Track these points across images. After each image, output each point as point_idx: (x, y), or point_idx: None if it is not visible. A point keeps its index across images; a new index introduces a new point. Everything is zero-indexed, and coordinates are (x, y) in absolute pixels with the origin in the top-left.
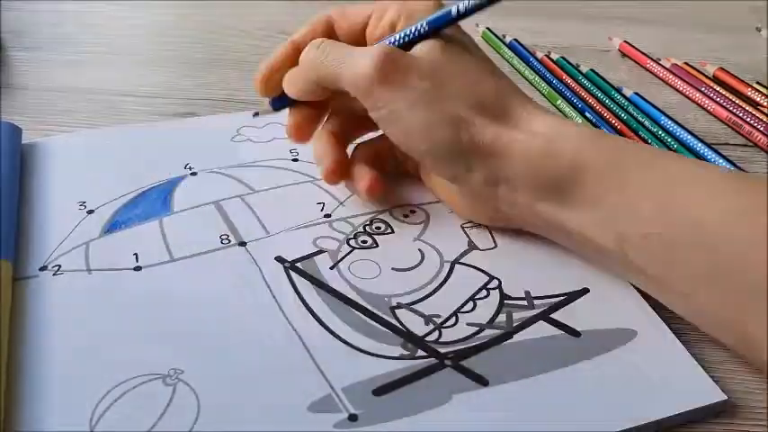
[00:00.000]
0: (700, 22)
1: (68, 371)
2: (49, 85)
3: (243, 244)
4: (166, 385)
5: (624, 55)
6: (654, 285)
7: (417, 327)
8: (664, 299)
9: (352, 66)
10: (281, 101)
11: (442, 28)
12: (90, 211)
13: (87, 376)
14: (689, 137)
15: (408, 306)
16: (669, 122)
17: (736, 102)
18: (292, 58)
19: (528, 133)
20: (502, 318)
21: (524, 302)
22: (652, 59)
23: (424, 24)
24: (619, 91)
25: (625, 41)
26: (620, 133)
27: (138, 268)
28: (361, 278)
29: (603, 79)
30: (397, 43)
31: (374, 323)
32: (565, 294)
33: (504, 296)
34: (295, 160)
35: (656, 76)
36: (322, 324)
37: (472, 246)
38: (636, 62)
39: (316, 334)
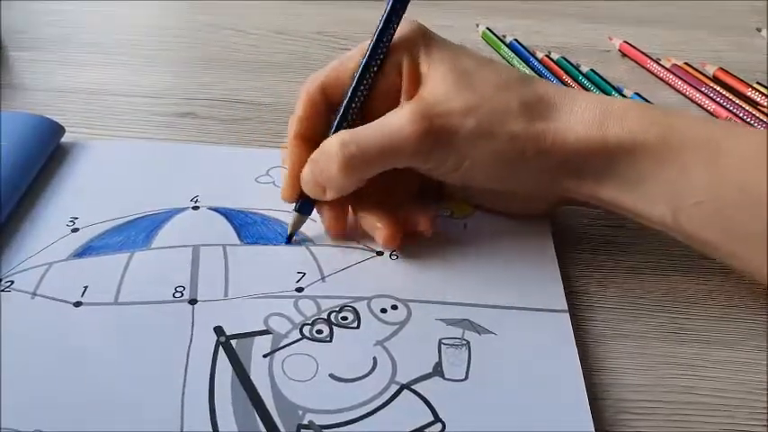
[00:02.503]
0: (700, 22)
1: None
2: (49, 85)
3: (193, 302)
4: None
5: (624, 55)
6: (709, 249)
7: None
8: (721, 260)
9: (396, 140)
10: (309, 202)
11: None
12: (75, 230)
13: None
14: None
15: (319, 429)
16: None
17: (736, 102)
18: (308, 150)
19: (579, 123)
20: None
21: None
22: (652, 59)
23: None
24: (619, 91)
25: (625, 41)
26: None
27: (78, 303)
28: (289, 378)
29: (603, 79)
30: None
31: None
32: None
33: None
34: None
35: (655, 76)
36: (214, 425)
37: (437, 371)
38: (636, 62)
39: None
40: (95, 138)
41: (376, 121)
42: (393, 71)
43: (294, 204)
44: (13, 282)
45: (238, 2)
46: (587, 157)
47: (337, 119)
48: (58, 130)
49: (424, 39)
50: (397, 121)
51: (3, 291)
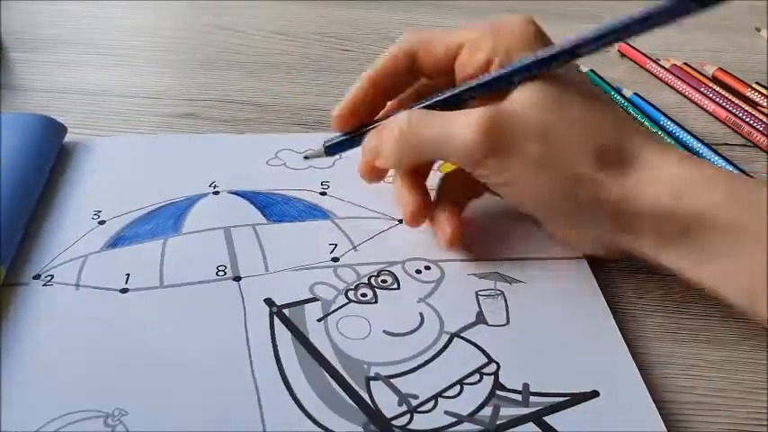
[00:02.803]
0: (700, 22)
1: (17, 392)
2: (49, 85)
3: (238, 279)
4: (106, 426)
5: (624, 55)
6: None
7: (389, 406)
8: None
9: (455, 138)
10: (339, 147)
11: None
12: (101, 222)
13: (31, 405)
14: (688, 137)
15: (386, 379)
16: (669, 123)
17: (736, 102)
18: (371, 96)
19: (656, 185)
20: (487, 411)
21: (518, 397)
22: (652, 59)
23: (523, 68)
24: (618, 91)
25: (625, 42)
26: None
27: (124, 290)
28: (346, 338)
29: (603, 79)
30: (492, 87)
31: (343, 393)
32: (569, 395)
33: (497, 385)
34: (323, 194)
35: (655, 76)
36: (287, 386)
37: (480, 319)
38: (635, 62)
39: (276, 397)
40: (96, 138)
41: (448, 112)
42: (482, 61)
43: (327, 140)
44: (53, 276)
45: (238, 2)
46: (654, 221)
47: (437, 98)
48: (61, 129)
49: (534, 46)
50: (463, 120)
51: (45, 285)
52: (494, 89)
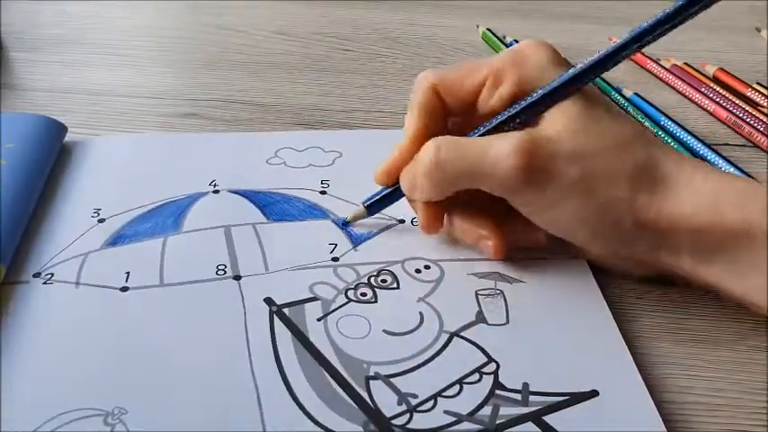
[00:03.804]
0: (700, 22)
1: (17, 390)
2: (50, 85)
3: (237, 278)
4: (106, 425)
5: None
6: None
7: (388, 405)
8: None
9: (492, 166)
10: (380, 204)
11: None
12: (101, 221)
13: (31, 403)
14: (689, 137)
15: (386, 378)
16: (669, 123)
17: (736, 102)
18: (414, 153)
19: (690, 201)
20: (486, 411)
21: (518, 396)
22: (652, 59)
23: (550, 92)
24: (618, 91)
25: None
26: None
27: (124, 289)
28: (346, 337)
29: (603, 80)
30: (526, 114)
31: (342, 393)
32: (569, 395)
33: (497, 384)
34: (323, 193)
35: (655, 76)
36: (287, 385)
37: (480, 318)
38: (636, 62)
39: (276, 396)
40: (96, 137)
41: (480, 138)
42: (508, 93)
43: (367, 198)
44: (53, 274)
45: (239, 3)
46: (693, 237)
47: (483, 129)
48: (62, 129)
49: (555, 68)
50: (497, 148)
51: (45, 283)
52: (527, 116)
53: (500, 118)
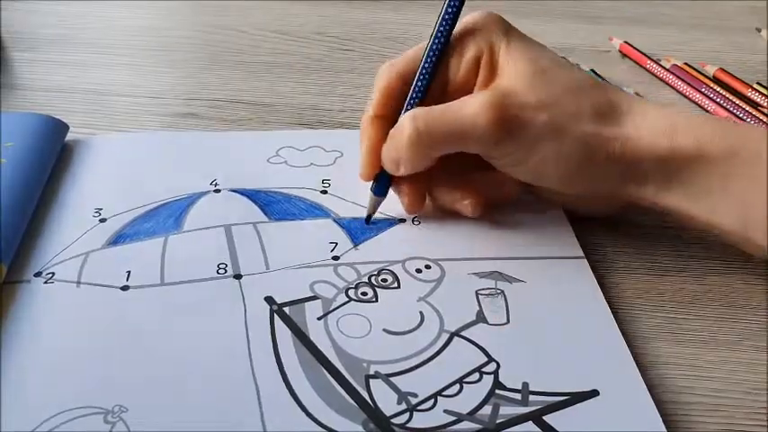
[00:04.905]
0: (700, 22)
1: (18, 389)
2: (49, 85)
3: (238, 277)
4: (106, 422)
5: (624, 55)
6: None
7: (388, 404)
8: None
9: (469, 128)
10: (384, 184)
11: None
12: (103, 220)
13: (31, 401)
14: None
15: (386, 377)
16: None
17: (737, 102)
18: (383, 132)
19: (649, 131)
20: (486, 410)
21: (518, 396)
22: (652, 60)
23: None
24: None
25: (625, 42)
26: None
27: (125, 288)
28: (347, 336)
29: (603, 79)
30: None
31: (342, 392)
32: (569, 394)
33: (497, 384)
34: (324, 192)
35: (655, 76)
36: (287, 383)
37: (480, 317)
38: (636, 62)
39: (276, 395)
40: (97, 136)
41: (451, 102)
42: (471, 59)
43: (371, 185)
44: (54, 273)
45: (239, 2)
46: (654, 164)
47: (408, 97)
48: (63, 128)
49: (506, 31)
50: (470, 107)
51: (47, 282)
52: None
53: (414, 85)
